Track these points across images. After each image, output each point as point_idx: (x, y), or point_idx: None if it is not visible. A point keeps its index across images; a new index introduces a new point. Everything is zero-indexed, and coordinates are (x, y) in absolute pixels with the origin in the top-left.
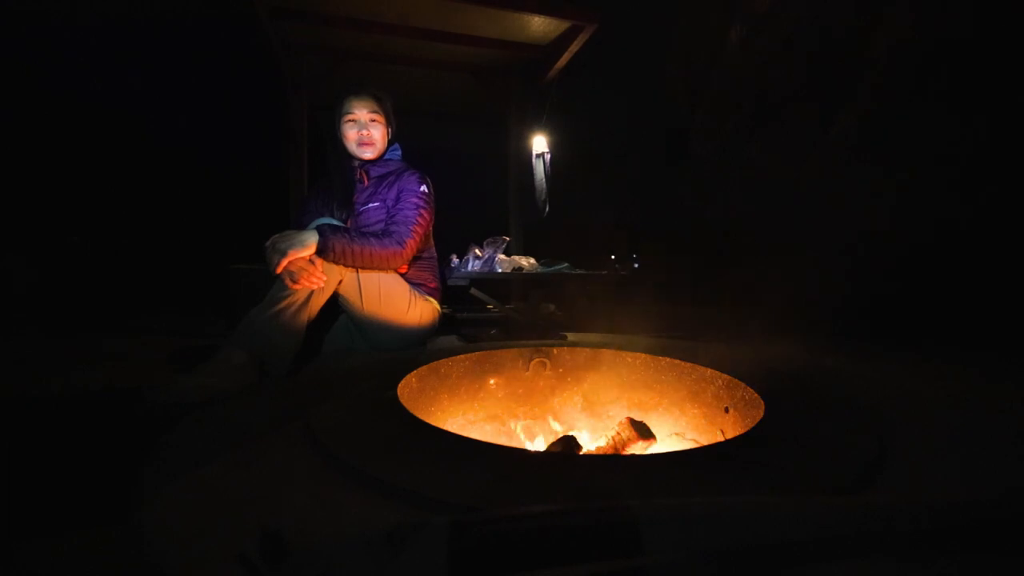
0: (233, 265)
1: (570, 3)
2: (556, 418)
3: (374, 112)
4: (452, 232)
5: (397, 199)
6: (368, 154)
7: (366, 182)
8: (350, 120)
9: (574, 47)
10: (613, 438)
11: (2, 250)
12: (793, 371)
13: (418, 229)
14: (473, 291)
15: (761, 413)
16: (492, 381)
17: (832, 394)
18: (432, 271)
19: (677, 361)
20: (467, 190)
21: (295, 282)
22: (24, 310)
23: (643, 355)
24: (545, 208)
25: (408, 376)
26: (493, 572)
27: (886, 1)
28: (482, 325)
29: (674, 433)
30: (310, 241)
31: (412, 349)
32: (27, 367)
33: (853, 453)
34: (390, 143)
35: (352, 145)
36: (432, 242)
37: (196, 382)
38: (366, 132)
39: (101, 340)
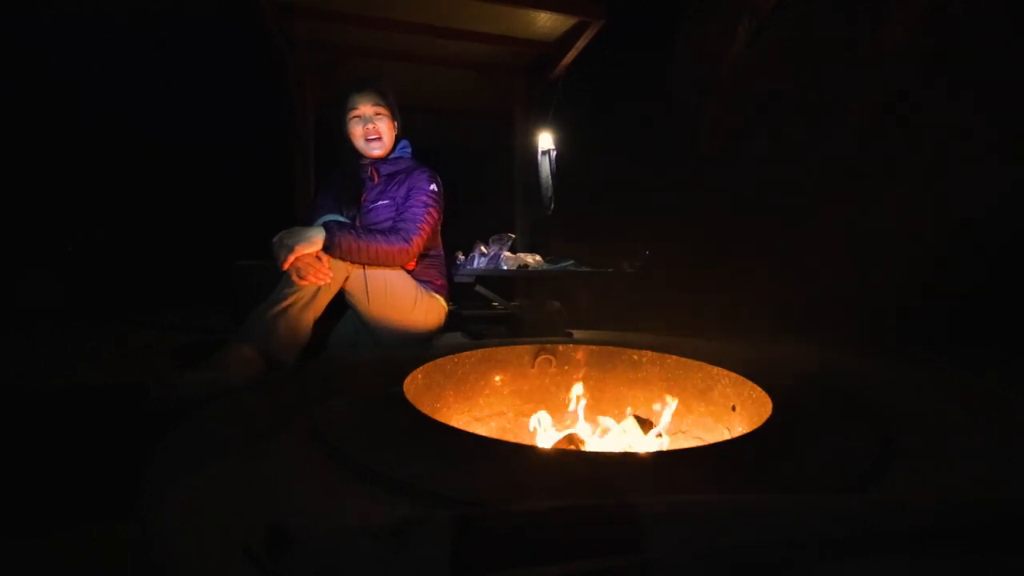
0: (238, 262)
1: None
2: (561, 415)
3: (378, 106)
4: (458, 229)
5: (406, 196)
6: (376, 150)
7: (376, 179)
8: (355, 116)
9: (581, 43)
10: (618, 435)
11: (9, 251)
12: (800, 370)
13: (425, 227)
14: (478, 288)
15: (768, 411)
16: (497, 378)
17: (839, 393)
18: (439, 268)
19: (684, 359)
20: (472, 187)
21: (302, 278)
22: (33, 308)
23: (649, 352)
24: (551, 205)
25: (414, 372)
26: (497, 567)
27: None
28: (487, 322)
29: (680, 431)
30: (317, 237)
31: (418, 346)
32: (32, 363)
33: (859, 452)
34: (398, 139)
35: (360, 141)
36: (440, 240)
37: (202, 378)
38: (372, 126)
39: (106, 336)
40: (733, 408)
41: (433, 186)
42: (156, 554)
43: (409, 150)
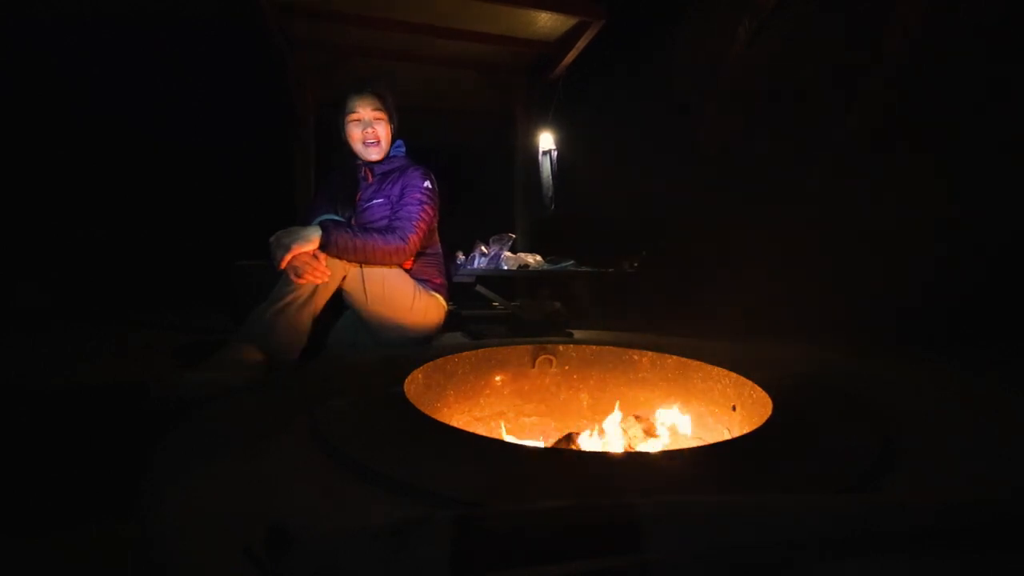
0: (238, 262)
1: None
2: (561, 415)
3: (377, 110)
4: (458, 229)
5: (401, 195)
6: (374, 155)
7: (370, 179)
8: (354, 120)
9: (581, 43)
10: (619, 435)
11: (8, 251)
12: (800, 370)
13: (421, 224)
14: (479, 288)
15: (768, 412)
16: (498, 378)
17: (839, 393)
18: (437, 267)
19: (684, 359)
20: (473, 187)
21: (299, 277)
22: (32, 308)
23: (650, 352)
24: (552, 205)
25: (414, 372)
26: (497, 568)
27: None
28: (488, 322)
29: (680, 431)
30: (313, 236)
31: (418, 346)
32: (32, 363)
33: (860, 452)
34: (393, 139)
35: (358, 145)
36: (437, 238)
37: (202, 378)
38: (371, 131)
39: (106, 336)
40: (733, 408)
41: (427, 183)
42: (156, 554)
43: (403, 149)
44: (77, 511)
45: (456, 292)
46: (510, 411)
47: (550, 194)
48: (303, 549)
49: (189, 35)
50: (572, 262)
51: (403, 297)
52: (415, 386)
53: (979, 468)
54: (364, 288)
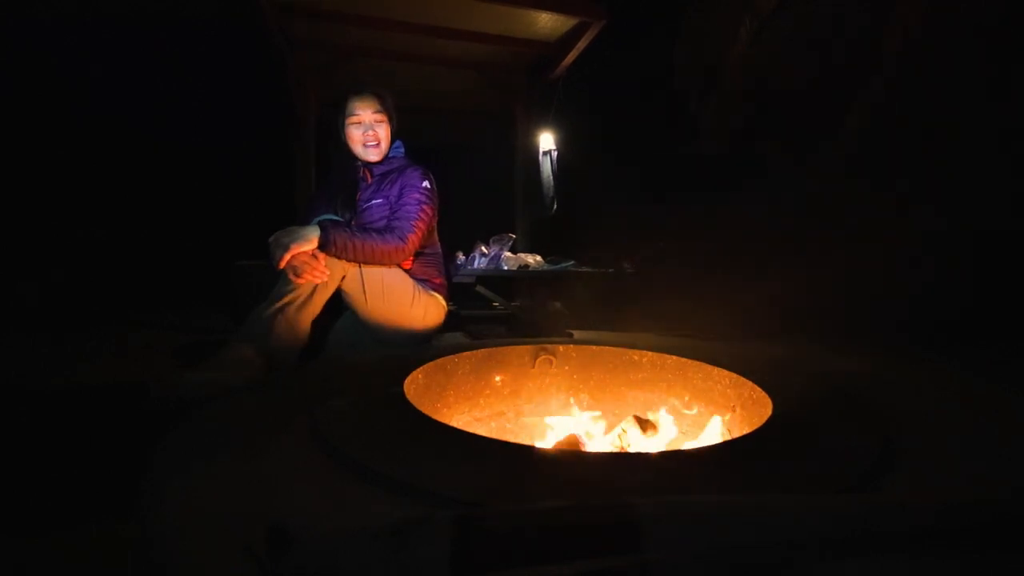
0: (238, 262)
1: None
2: (562, 415)
3: (378, 112)
4: (458, 229)
5: (400, 195)
6: (374, 157)
7: (369, 180)
8: (354, 122)
9: (581, 44)
10: (619, 436)
11: (8, 251)
12: (801, 370)
13: (420, 224)
14: (479, 288)
15: (768, 412)
16: (498, 378)
17: (839, 393)
18: (437, 267)
19: (683, 359)
20: (473, 188)
21: (298, 276)
22: (32, 308)
23: (649, 353)
24: (552, 206)
25: (414, 372)
26: (497, 568)
27: None
28: (488, 322)
29: (680, 432)
30: (312, 235)
31: (418, 346)
32: (32, 363)
33: (860, 452)
34: (393, 140)
35: (358, 147)
36: (436, 238)
37: (202, 378)
38: (371, 133)
39: (106, 336)
40: (734, 409)
41: (426, 183)
42: (156, 554)
43: (402, 150)
44: (77, 511)
45: (456, 292)
46: (510, 411)
47: (550, 194)
48: (303, 549)
49: (189, 35)
50: (572, 262)
51: (402, 297)
52: (415, 386)
53: (979, 468)
54: (363, 288)
